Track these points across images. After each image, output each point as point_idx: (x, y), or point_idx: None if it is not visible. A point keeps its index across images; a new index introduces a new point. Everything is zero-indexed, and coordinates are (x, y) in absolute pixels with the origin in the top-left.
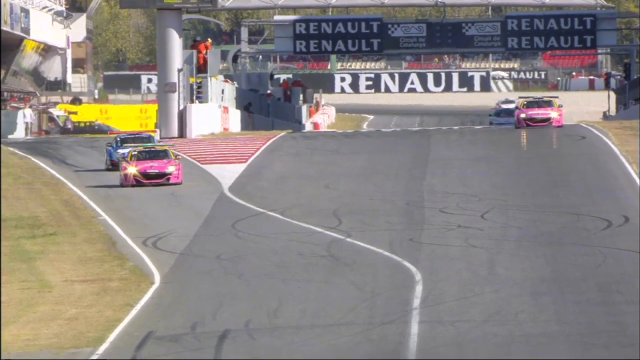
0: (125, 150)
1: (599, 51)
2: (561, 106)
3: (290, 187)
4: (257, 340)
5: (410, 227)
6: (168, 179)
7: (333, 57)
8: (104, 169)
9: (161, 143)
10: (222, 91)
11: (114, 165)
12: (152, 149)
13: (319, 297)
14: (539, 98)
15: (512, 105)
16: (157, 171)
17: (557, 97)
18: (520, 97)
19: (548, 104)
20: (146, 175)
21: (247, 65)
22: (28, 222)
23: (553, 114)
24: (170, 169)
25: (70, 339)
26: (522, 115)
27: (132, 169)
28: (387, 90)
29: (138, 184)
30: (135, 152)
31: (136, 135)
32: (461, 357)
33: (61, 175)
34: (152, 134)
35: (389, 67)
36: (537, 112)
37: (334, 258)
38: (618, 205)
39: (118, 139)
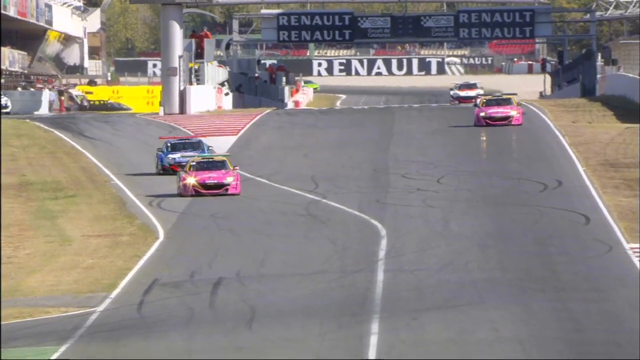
0: (176, 156)
1: (537, 40)
2: (520, 104)
3: (274, 156)
4: (246, 286)
5: (376, 190)
6: (226, 190)
7: (311, 45)
8: (154, 173)
9: (212, 148)
10: (227, 81)
11: (164, 170)
12: (211, 160)
13: (299, 249)
14: (497, 96)
15: (472, 81)
16: (215, 182)
17: (515, 94)
18: (480, 97)
19: (507, 102)
20: (205, 186)
21: (238, 52)
22: (51, 186)
23: (512, 112)
24: (229, 179)
25: (88, 285)
26: (482, 114)
27: (191, 180)
28: (357, 73)
29: (197, 194)
30: (194, 163)
31: (186, 141)
32: (420, 300)
33: (79, 145)
34: (202, 138)
35: (358, 54)
36: (497, 111)
37: (311, 216)
38: (552, 171)
39: (168, 144)
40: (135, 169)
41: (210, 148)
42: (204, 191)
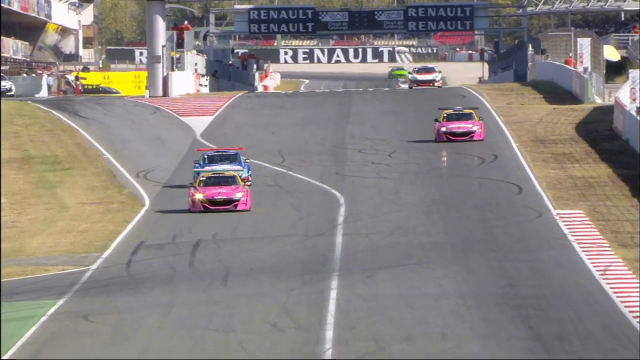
0: (213, 168)
1: (476, 32)
2: (482, 119)
3: (246, 134)
4: (221, 247)
5: (336, 163)
6: (235, 206)
7: (278, 36)
8: (188, 185)
9: (249, 161)
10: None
11: None
12: (221, 175)
13: (267, 215)
14: (458, 110)
15: (430, 65)
16: (224, 197)
17: (477, 109)
18: (439, 109)
19: (468, 116)
20: (213, 202)
21: (214, 42)
22: (50, 160)
23: (474, 127)
24: (238, 195)
25: (83, 247)
26: (443, 129)
27: (199, 196)
28: (319, 61)
29: (205, 210)
30: (204, 178)
31: (223, 153)
32: (374, 259)
33: (75, 124)
34: (239, 150)
35: (320, 44)
36: (458, 126)
37: (278, 187)
38: (489, 147)
39: (205, 157)
40: (124, 146)
41: (247, 160)
42: (212, 207)
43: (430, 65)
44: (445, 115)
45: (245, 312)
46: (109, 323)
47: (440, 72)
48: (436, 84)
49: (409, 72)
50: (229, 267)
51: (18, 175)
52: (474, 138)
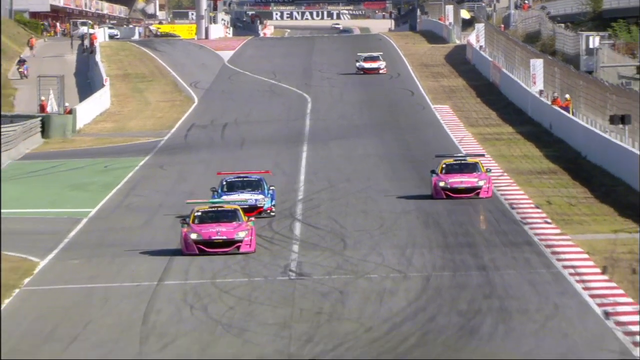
0: (231, 197)
1: (387, 1)
2: (489, 171)
3: (254, 61)
4: (239, 127)
5: (305, 78)
6: (238, 247)
7: (272, 4)
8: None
9: (273, 188)
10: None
11: None
12: (220, 209)
13: (266, 108)
14: (461, 159)
15: (375, 54)
16: (224, 237)
17: (482, 155)
18: (436, 156)
19: (473, 167)
20: (210, 244)
21: (235, 7)
22: (140, 75)
23: (480, 182)
24: (240, 235)
25: (159, 126)
26: (441, 184)
27: (193, 235)
28: (296, 19)
29: (201, 252)
30: (199, 213)
31: (244, 179)
32: (328, 134)
33: (155, 55)
34: (265, 174)
35: (296, 9)
36: (460, 180)
37: (272, 92)
38: (395, 68)
39: (224, 183)
40: (182, 68)
41: (272, 188)
42: (209, 250)
43: (375, 54)
44: (444, 165)
45: (253, 164)
46: (174, 170)
47: (384, 61)
48: (381, 71)
49: (356, 60)
50: (244, 138)
51: (121, 85)
52: (480, 195)
